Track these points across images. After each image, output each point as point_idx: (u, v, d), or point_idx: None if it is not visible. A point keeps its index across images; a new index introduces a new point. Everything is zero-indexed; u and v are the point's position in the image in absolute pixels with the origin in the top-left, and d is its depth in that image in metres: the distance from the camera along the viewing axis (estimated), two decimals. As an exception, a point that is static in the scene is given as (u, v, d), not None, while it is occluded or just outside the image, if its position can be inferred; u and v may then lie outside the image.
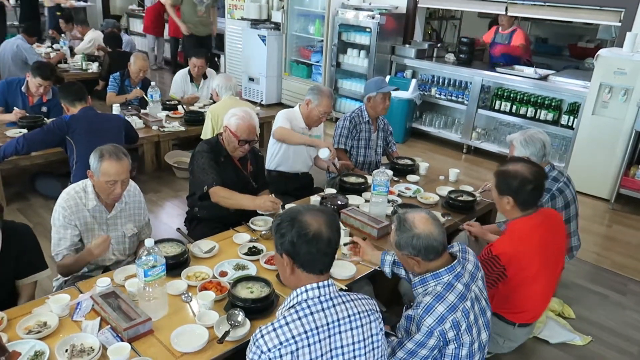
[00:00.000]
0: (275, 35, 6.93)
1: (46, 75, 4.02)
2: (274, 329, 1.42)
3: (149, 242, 1.90)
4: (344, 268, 2.36)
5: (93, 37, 7.10)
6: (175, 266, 2.26)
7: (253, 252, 2.46)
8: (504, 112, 5.42)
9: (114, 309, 1.89)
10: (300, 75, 6.94)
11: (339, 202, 2.90)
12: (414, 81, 5.80)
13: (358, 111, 3.83)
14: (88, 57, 6.87)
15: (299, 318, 1.44)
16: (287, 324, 1.43)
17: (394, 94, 5.75)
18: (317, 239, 1.46)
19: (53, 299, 1.93)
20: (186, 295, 2.09)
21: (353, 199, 3.07)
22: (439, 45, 6.32)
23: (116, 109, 4.44)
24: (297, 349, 1.41)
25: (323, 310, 1.47)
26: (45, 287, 2.60)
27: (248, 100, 6.06)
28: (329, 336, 1.46)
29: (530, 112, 5.23)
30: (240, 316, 1.88)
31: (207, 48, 6.99)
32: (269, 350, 1.39)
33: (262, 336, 1.42)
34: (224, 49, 8.13)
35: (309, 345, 1.42)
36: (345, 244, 2.45)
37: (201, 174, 2.77)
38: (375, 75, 5.87)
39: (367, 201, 3.04)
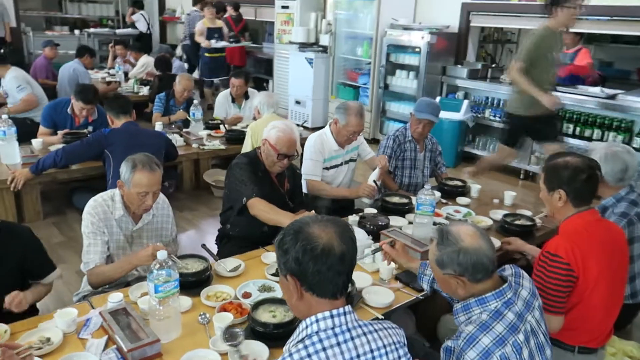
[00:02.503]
0: (323, 58, 6.87)
1: (88, 100, 4.02)
2: None
3: (161, 255, 1.72)
4: (379, 294, 2.09)
5: (145, 62, 7.32)
6: (197, 284, 2.08)
7: (281, 272, 2.24)
8: (567, 135, 4.99)
9: (122, 328, 1.72)
10: (347, 97, 6.79)
11: (379, 223, 2.64)
12: (465, 102, 5.50)
13: (402, 129, 3.61)
14: (140, 81, 7.07)
15: (309, 355, 1.18)
16: (303, 359, 1.18)
17: (444, 115, 5.51)
18: (327, 254, 1.21)
19: (59, 313, 1.78)
20: (203, 316, 1.89)
21: (395, 220, 2.81)
22: (493, 65, 6.00)
23: (159, 127, 4.44)
24: None
25: (339, 344, 1.20)
26: (66, 301, 2.49)
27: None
28: None
29: (597, 134, 4.79)
30: (241, 337, 1.66)
31: (555, 127, 4.42)
32: None
33: None
34: (272, 74, 8.17)
35: None
36: (374, 251, 2.25)
37: (239, 185, 2.62)
38: (425, 96, 5.63)
39: (410, 223, 2.77)
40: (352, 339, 1.22)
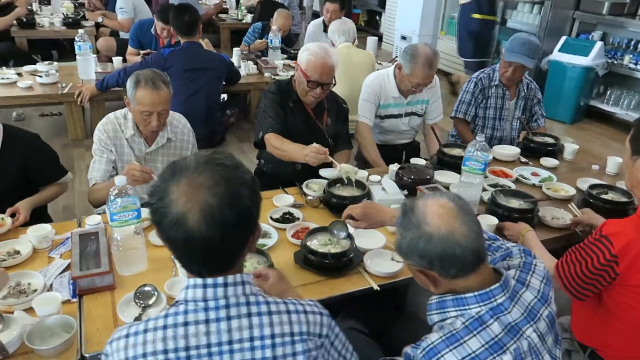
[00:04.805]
0: (436, -14, 6.10)
1: (166, 19, 3.93)
2: (127, 336, 0.93)
3: (119, 181, 1.55)
4: (384, 260, 1.73)
5: (255, -11, 7.15)
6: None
7: (286, 219, 1.98)
8: None
9: (84, 253, 1.61)
10: (458, 34, 6.00)
11: (419, 177, 2.20)
12: (598, 44, 4.47)
13: (489, 71, 3.00)
14: (248, 9, 6.97)
15: (165, 327, 0.91)
16: (145, 331, 0.92)
17: (568, 59, 4.59)
18: (174, 227, 0.90)
19: (32, 227, 1.74)
20: (177, 254, 1.72)
21: (447, 176, 2.34)
22: (648, -1, 4.77)
23: (236, 54, 4.28)
24: None
25: (207, 322, 0.92)
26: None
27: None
28: None
29: None
30: (154, 297, 1.43)
31: None
32: None
33: (112, 341, 0.95)
34: (385, 6, 7.54)
35: None
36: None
37: (262, 117, 2.37)
38: (547, 37, 4.71)
39: (466, 181, 2.28)
40: (229, 318, 0.93)
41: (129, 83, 2.05)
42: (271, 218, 1.95)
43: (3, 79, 3.41)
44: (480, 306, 1.05)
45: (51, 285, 1.54)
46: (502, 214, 1.97)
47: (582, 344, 1.50)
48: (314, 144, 2.09)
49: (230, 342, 0.91)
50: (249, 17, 6.65)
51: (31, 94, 3.32)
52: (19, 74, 3.57)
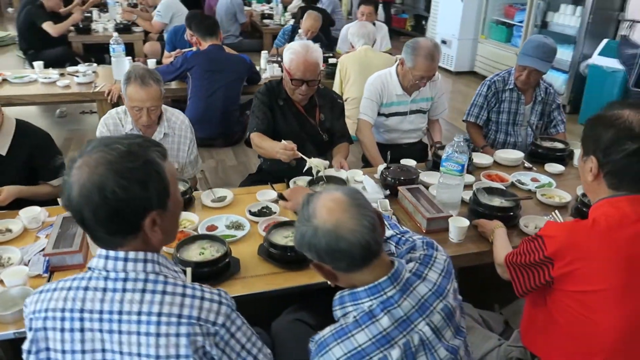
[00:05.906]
0: (476, -11, 5.96)
1: (190, 26, 4.11)
2: (41, 292, 1.05)
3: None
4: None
5: (302, -4, 7.31)
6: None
7: (263, 212, 2.04)
8: None
9: (63, 234, 1.76)
10: (499, 38, 5.83)
11: (403, 177, 2.19)
12: None
13: (505, 74, 2.92)
14: (293, 15, 7.13)
15: (69, 288, 1.02)
16: (54, 289, 1.03)
17: (604, 62, 4.36)
18: (66, 195, 0.98)
19: (25, 209, 1.91)
20: (148, 239, 1.82)
21: (436, 178, 2.30)
22: None
23: (264, 55, 4.41)
24: (45, 329, 1.00)
25: (105, 290, 0.99)
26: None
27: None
28: (100, 331, 0.99)
29: None
30: None
31: None
32: (25, 316, 1.05)
33: (30, 295, 1.07)
34: (430, 10, 7.44)
35: (61, 330, 0.99)
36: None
37: (251, 117, 2.46)
38: (588, 40, 4.46)
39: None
40: (124, 291, 0.99)
41: (122, 79, 2.20)
42: (249, 212, 2.02)
43: (45, 78, 3.72)
44: (371, 300, 1.06)
45: (29, 261, 1.69)
46: (482, 212, 1.94)
47: (531, 352, 1.44)
48: (283, 141, 2.14)
49: (120, 312, 0.98)
50: (291, 22, 6.80)
51: (67, 92, 3.60)
52: (62, 74, 3.87)
